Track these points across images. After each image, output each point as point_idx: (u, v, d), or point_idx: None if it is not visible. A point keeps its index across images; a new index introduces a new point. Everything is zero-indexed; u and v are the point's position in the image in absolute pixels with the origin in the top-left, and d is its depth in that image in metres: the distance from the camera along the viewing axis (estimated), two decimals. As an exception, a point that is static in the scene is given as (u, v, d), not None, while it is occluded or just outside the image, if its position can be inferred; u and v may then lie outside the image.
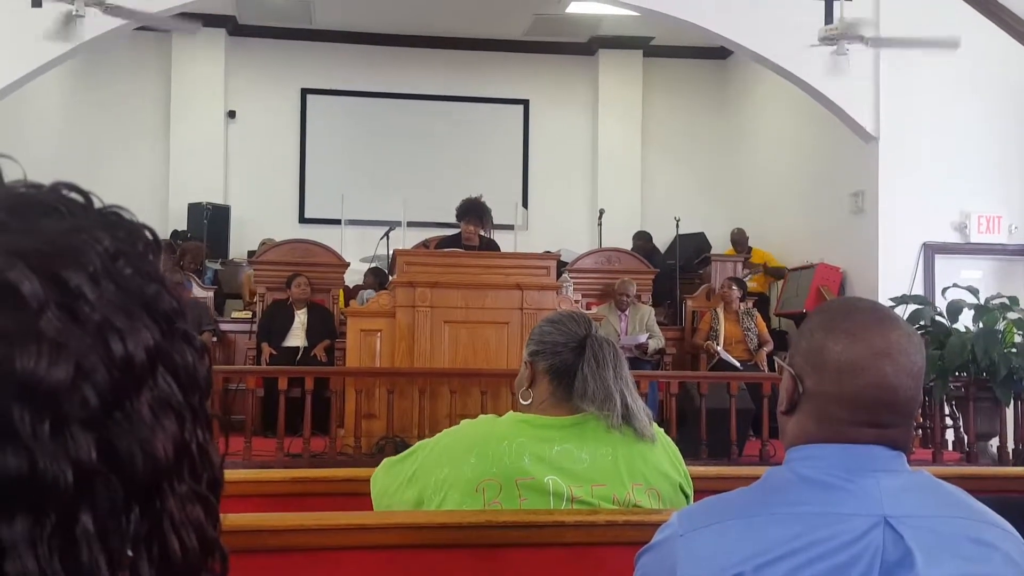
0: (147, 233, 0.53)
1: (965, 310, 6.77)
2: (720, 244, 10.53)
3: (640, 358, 7.67)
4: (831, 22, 7.46)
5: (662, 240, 10.53)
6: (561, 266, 7.88)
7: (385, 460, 2.00)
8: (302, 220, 11.24)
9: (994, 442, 6.66)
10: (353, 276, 9.15)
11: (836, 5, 7.59)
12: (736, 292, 8.13)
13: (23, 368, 0.43)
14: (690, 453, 6.04)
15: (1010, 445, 6.54)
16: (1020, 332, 6.70)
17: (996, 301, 6.83)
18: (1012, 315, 6.74)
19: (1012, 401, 6.56)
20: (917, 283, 8.13)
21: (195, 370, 0.51)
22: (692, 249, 10.17)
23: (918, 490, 1.19)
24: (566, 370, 1.86)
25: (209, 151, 11.00)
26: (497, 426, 1.86)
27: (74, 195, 0.51)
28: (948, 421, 6.93)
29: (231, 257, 10.34)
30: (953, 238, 8.28)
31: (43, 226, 0.48)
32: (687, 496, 1.94)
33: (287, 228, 10.43)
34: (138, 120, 11.03)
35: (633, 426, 1.84)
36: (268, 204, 11.05)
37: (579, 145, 11.84)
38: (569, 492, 1.80)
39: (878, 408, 1.19)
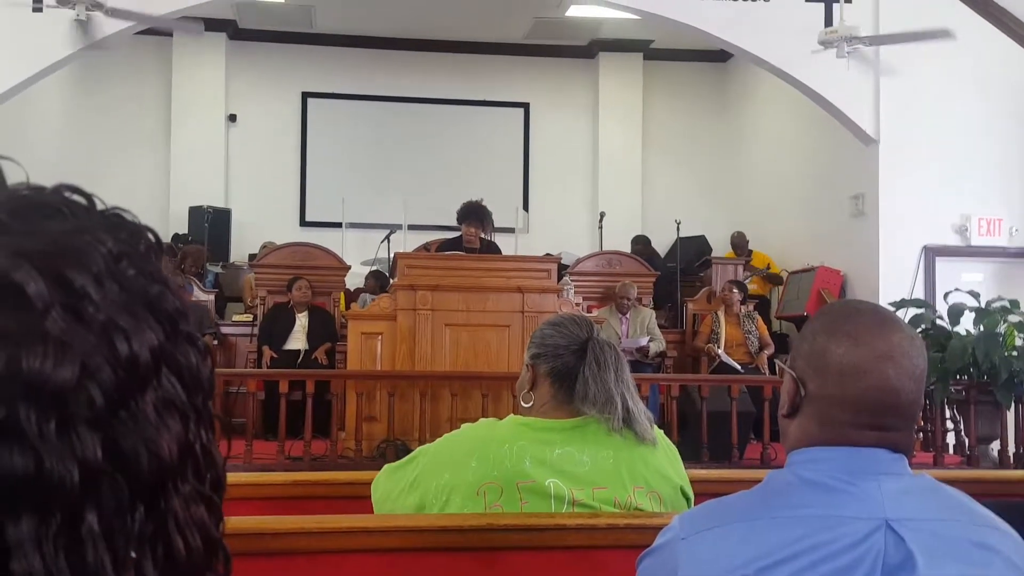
0: (149, 235, 0.53)
1: (966, 313, 6.77)
2: (721, 247, 10.53)
3: (641, 361, 7.67)
4: (831, 25, 7.48)
5: (663, 243, 10.54)
6: (562, 269, 7.88)
7: (386, 466, 2.00)
8: (303, 223, 11.25)
9: (995, 445, 6.65)
10: (354, 279, 9.15)
11: (836, 8, 7.61)
12: (737, 295, 8.13)
13: (29, 368, 0.43)
14: (691, 456, 6.04)
15: (1011, 448, 6.53)
16: (1021, 335, 6.70)
17: (997, 304, 6.83)
18: (1013, 318, 6.74)
19: (1013, 404, 6.56)
20: (918, 286, 8.13)
21: (198, 371, 0.52)
22: (693, 252, 10.17)
23: (920, 493, 1.19)
24: (567, 373, 1.87)
25: (210, 155, 11.01)
26: (497, 429, 1.86)
27: (77, 197, 0.52)
28: (949, 424, 6.92)
29: (232, 260, 10.35)
30: (954, 241, 8.28)
31: (47, 227, 0.48)
32: (688, 499, 1.94)
33: (288, 231, 10.44)
34: (139, 124, 11.05)
35: (634, 429, 1.84)
36: (269, 207, 11.06)
37: (580, 148, 11.85)
38: (570, 495, 1.80)
39: (880, 411, 1.19)
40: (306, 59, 11.34)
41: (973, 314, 6.76)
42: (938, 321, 6.87)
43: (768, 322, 8.82)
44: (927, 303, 7.23)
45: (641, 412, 1.87)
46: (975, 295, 6.83)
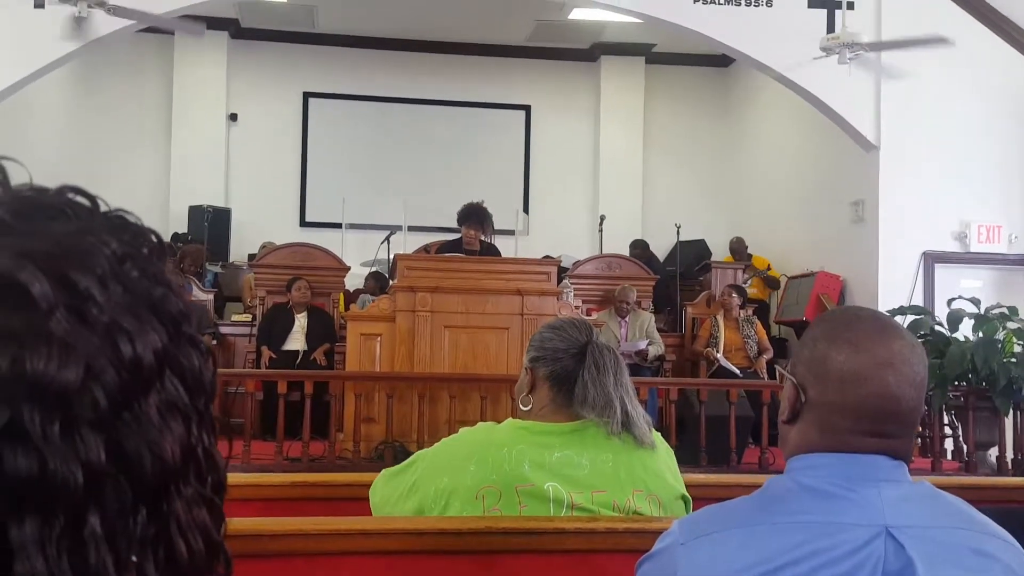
0: (152, 237, 0.53)
1: (965, 319, 6.77)
2: (720, 251, 10.54)
3: (640, 364, 7.67)
4: (833, 31, 7.49)
5: (663, 246, 10.54)
6: (561, 272, 7.88)
7: (384, 471, 1.99)
8: (303, 224, 11.25)
9: (993, 452, 6.65)
10: (353, 280, 9.14)
11: (838, 14, 7.62)
12: (736, 299, 8.13)
13: (33, 369, 0.43)
14: (689, 460, 6.03)
15: (1009, 455, 6.54)
16: (1020, 342, 6.70)
17: (996, 311, 6.83)
18: (1012, 325, 6.75)
19: (1011, 411, 6.56)
20: (917, 292, 8.13)
21: (201, 374, 0.52)
22: (692, 256, 10.18)
23: (920, 500, 1.19)
24: (566, 376, 1.87)
25: (210, 154, 11.01)
26: (496, 433, 1.86)
27: (80, 198, 0.52)
28: (947, 430, 6.92)
29: (231, 260, 10.35)
30: (953, 247, 8.28)
31: (51, 229, 0.48)
32: (686, 502, 1.94)
33: (288, 231, 10.44)
34: (140, 123, 11.05)
35: (633, 433, 1.85)
36: (269, 207, 11.06)
37: (580, 151, 11.85)
38: (569, 499, 1.80)
39: (881, 418, 1.19)
40: (308, 59, 11.34)
41: (972, 320, 6.76)
42: (937, 327, 6.87)
43: (767, 327, 8.83)
44: (926, 310, 7.24)
45: (640, 416, 1.87)
46: (976, 302, 6.84)
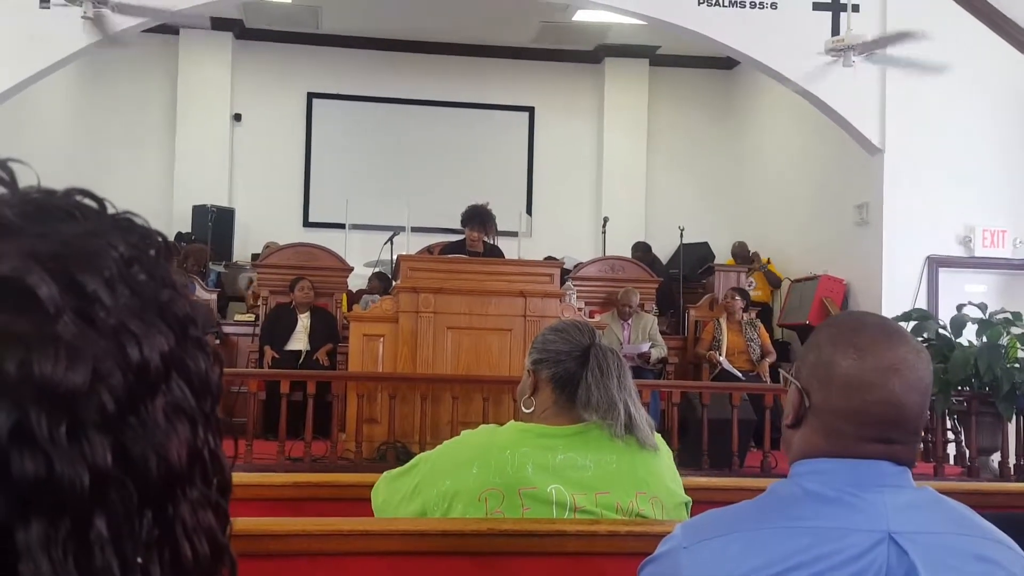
0: (159, 239, 0.53)
1: (968, 324, 6.76)
2: (724, 254, 10.53)
3: (642, 367, 7.66)
4: (838, 34, 7.48)
5: (666, 249, 10.53)
6: (564, 274, 7.88)
7: (385, 473, 1.99)
8: (306, 224, 11.26)
9: (995, 457, 6.64)
10: (356, 280, 9.15)
11: (843, 17, 7.61)
12: (739, 302, 8.13)
13: (41, 372, 0.43)
14: (691, 463, 6.03)
15: (1012, 460, 6.53)
16: (1023, 347, 6.69)
17: (1000, 316, 6.82)
18: (1016, 330, 6.74)
19: (1014, 416, 6.55)
20: (921, 297, 8.12)
21: (207, 376, 0.52)
22: (696, 259, 10.17)
23: (923, 506, 1.19)
24: (569, 379, 1.87)
25: (214, 154, 11.03)
26: (499, 436, 1.86)
27: (88, 201, 0.52)
28: (950, 435, 6.92)
29: (235, 260, 10.36)
30: (957, 252, 8.27)
31: (59, 231, 0.48)
32: (687, 506, 1.94)
33: (291, 231, 10.45)
34: (144, 122, 11.06)
35: (636, 435, 1.85)
36: (272, 207, 11.07)
37: (584, 153, 11.85)
38: (572, 501, 1.80)
39: (885, 424, 1.19)
40: (312, 60, 11.36)
41: (976, 325, 6.75)
42: (941, 331, 6.86)
43: (770, 330, 8.82)
44: (929, 314, 7.23)
45: (643, 419, 1.87)
46: (983, 307, 6.83)
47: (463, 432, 1.93)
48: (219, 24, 10.48)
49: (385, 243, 9.29)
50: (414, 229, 9.82)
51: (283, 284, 8.06)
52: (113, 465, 0.45)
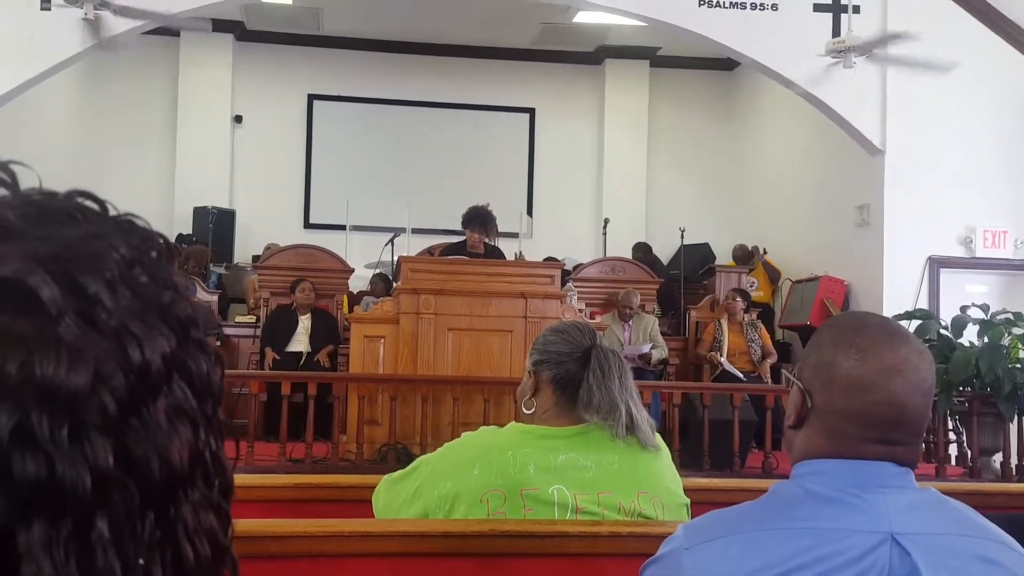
0: (161, 241, 0.53)
1: (970, 325, 6.76)
2: (724, 255, 10.53)
3: (643, 368, 7.66)
4: (838, 35, 7.48)
5: (667, 250, 10.53)
6: (565, 275, 7.88)
7: (385, 477, 1.99)
8: (307, 225, 11.26)
9: (997, 457, 6.64)
10: (357, 282, 9.15)
11: (843, 18, 7.61)
12: (740, 303, 8.13)
13: (42, 374, 0.43)
14: (692, 464, 6.03)
15: (1013, 461, 6.52)
16: (1024, 347, 6.69)
17: (1001, 316, 6.82)
18: (1017, 330, 6.74)
19: (1016, 416, 6.55)
20: (922, 297, 8.12)
21: (209, 378, 0.52)
22: (696, 260, 10.17)
23: (925, 507, 1.19)
24: (570, 380, 1.87)
25: (215, 155, 11.04)
26: (500, 437, 1.87)
27: (89, 203, 0.52)
28: (951, 436, 6.91)
29: (236, 261, 10.36)
30: (958, 252, 8.27)
31: (61, 233, 0.48)
32: (685, 505, 1.94)
33: (292, 233, 10.45)
34: (145, 124, 11.07)
35: (637, 436, 1.85)
36: (273, 209, 11.08)
37: (584, 154, 11.85)
38: (574, 502, 1.80)
39: (887, 425, 1.19)
40: (313, 61, 11.36)
41: (977, 326, 6.75)
42: (942, 332, 6.86)
43: (771, 331, 8.82)
44: (931, 314, 7.23)
45: (644, 420, 1.88)
46: (985, 308, 6.82)
47: (464, 434, 1.93)
48: (220, 26, 10.48)
49: (386, 244, 9.29)
50: (415, 230, 9.82)
51: (284, 286, 8.07)
52: (115, 466, 0.45)
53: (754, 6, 7.91)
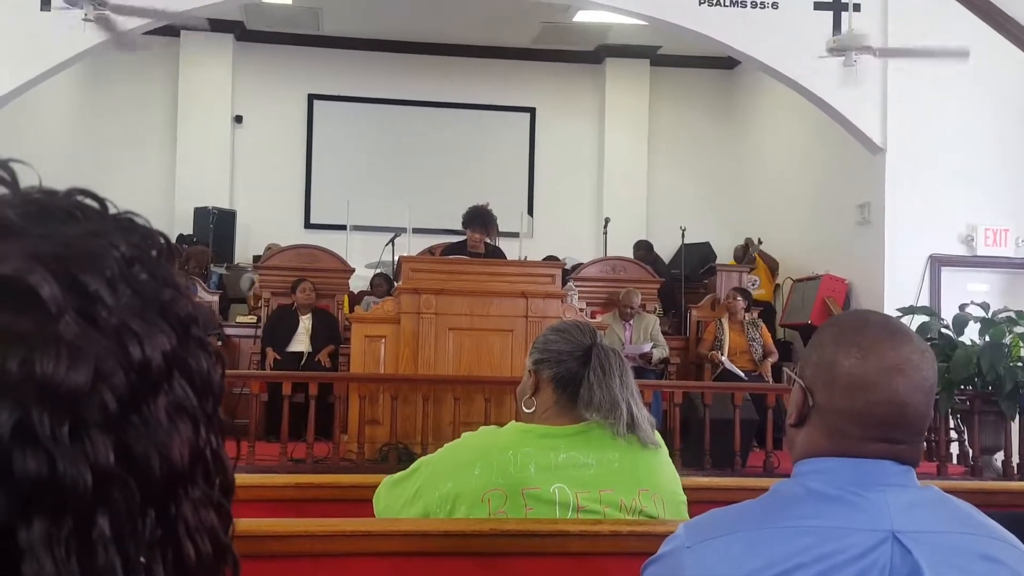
0: (161, 239, 0.53)
1: (971, 323, 6.76)
2: (725, 254, 10.52)
3: (644, 367, 7.66)
4: (839, 33, 7.48)
5: (667, 249, 10.53)
6: (566, 274, 7.89)
7: (386, 479, 1.99)
8: (307, 225, 11.26)
9: (999, 456, 6.64)
10: (358, 282, 9.15)
11: (844, 16, 7.61)
12: (741, 302, 8.13)
13: (43, 371, 0.43)
14: (693, 463, 6.03)
15: (1015, 459, 6.53)
16: (1026, 346, 6.69)
17: (1003, 315, 6.82)
18: (1019, 329, 6.73)
19: (1017, 415, 6.55)
20: (923, 296, 8.11)
21: (209, 376, 0.52)
22: (697, 259, 10.17)
23: (927, 505, 1.19)
24: (571, 379, 1.87)
25: (215, 155, 11.04)
26: (500, 437, 1.87)
27: (89, 201, 0.52)
28: (953, 434, 6.91)
29: (236, 261, 10.36)
30: (960, 251, 8.26)
31: (61, 231, 0.48)
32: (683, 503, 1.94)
33: (292, 233, 10.45)
34: (145, 124, 11.07)
35: (638, 434, 1.85)
36: (274, 209, 11.08)
37: (585, 153, 11.85)
38: (575, 501, 1.80)
39: (889, 424, 1.19)
40: (313, 61, 11.36)
41: (979, 324, 6.75)
42: (943, 330, 6.86)
43: (772, 330, 8.82)
44: (933, 311, 7.22)
45: (644, 418, 1.88)
46: (985, 307, 6.82)
47: (464, 434, 1.94)
48: (220, 26, 10.48)
49: (386, 244, 9.29)
50: (415, 230, 9.82)
51: (284, 286, 8.07)
52: (115, 464, 0.45)
53: (754, 5, 7.91)
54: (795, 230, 10.11)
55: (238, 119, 11.27)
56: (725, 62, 11.26)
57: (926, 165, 8.14)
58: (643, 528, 1.78)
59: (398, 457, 5.69)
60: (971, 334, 6.76)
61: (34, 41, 7.30)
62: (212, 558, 0.50)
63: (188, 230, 10.31)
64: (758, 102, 11.29)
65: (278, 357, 7.48)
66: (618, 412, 1.82)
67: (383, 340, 6.30)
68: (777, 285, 10.00)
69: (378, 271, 9.11)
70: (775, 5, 7.91)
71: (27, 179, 0.53)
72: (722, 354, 7.95)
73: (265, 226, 10.70)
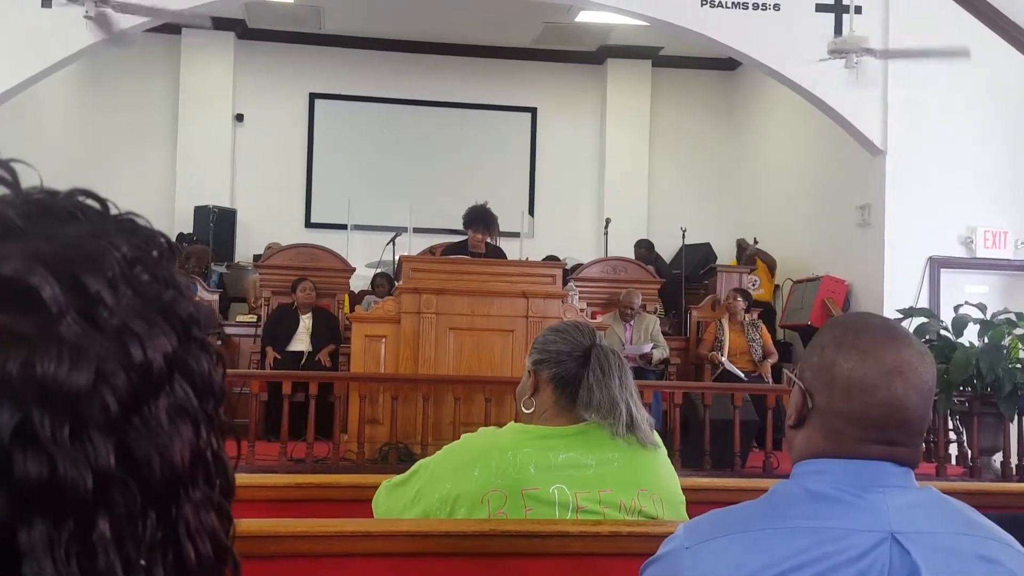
0: (162, 240, 0.53)
1: (970, 325, 6.76)
2: (726, 255, 10.52)
3: (644, 368, 7.66)
4: (840, 35, 7.48)
5: (668, 250, 10.53)
6: (566, 274, 7.89)
7: (385, 482, 1.99)
8: (308, 224, 11.26)
9: (997, 457, 6.64)
10: (358, 281, 9.15)
11: (845, 18, 7.61)
12: (741, 303, 8.12)
13: (44, 373, 0.43)
14: (693, 464, 6.03)
15: (1013, 460, 6.52)
16: (1025, 348, 6.69)
17: (1002, 316, 6.82)
18: (1018, 331, 6.73)
19: (1016, 416, 6.55)
20: (922, 297, 8.12)
21: (210, 377, 0.52)
22: (698, 259, 10.17)
23: (926, 506, 1.19)
24: (570, 379, 1.87)
25: (216, 154, 11.03)
26: (499, 438, 1.87)
27: (91, 201, 0.52)
28: (952, 436, 6.91)
29: (237, 260, 10.36)
30: (959, 252, 8.26)
31: (62, 232, 0.48)
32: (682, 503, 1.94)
33: (293, 232, 10.45)
34: (146, 122, 11.07)
35: (637, 435, 1.85)
36: (274, 208, 11.08)
37: (586, 154, 11.85)
38: (575, 501, 1.80)
39: (888, 426, 1.19)
40: (314, 60, 11.36)
41: (978, 326, 6.75)
42: (942, 332, 6.86)
43: (772, 331, 8.82)
44: (932, 313, 7.22)
45: (644, 419, 1.88)
46: (982, 308, 6.82)
47: (463, 436, 1.94)
48: (221, 24, 10.48)
49: (387, 244, 9.29)
50: (416, 230, 9.82)
51: (285, 285, 8.07)
52: (116, 466, 0.45)
53: (756, 6, 7.91)
54: (795, 231, 10.11)
55: (239, 118, 11.26)
56: (726, 63, 11.25)
57: (926, 167, 8.14)
58: (642, 528, 1.78)
59: (398, 457, 5.69)
60: (970, 336, 6.76)
61: (35, 38, 7.30)
62: (213, 560, 0.50)
63: (188, 229, 10.31)
64: (759, 103, 11.29)
65: (278, 356, 7.48)
66: (617, 413, 1.82)
67: (383, 340, 6.30)
68: (777, 286, 10.00)
69: (379, 271, 9.11)
70: (776, 7, 7.91)
71: (28, 179, 0.53)
72: (722, 355, 7.95)
73: (266, 225, 10.70)
